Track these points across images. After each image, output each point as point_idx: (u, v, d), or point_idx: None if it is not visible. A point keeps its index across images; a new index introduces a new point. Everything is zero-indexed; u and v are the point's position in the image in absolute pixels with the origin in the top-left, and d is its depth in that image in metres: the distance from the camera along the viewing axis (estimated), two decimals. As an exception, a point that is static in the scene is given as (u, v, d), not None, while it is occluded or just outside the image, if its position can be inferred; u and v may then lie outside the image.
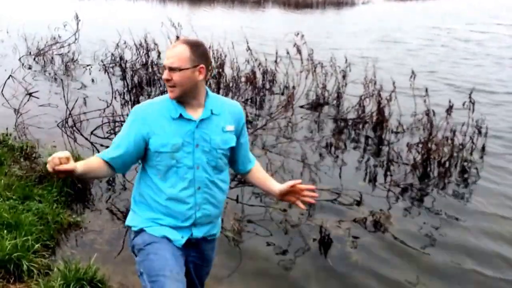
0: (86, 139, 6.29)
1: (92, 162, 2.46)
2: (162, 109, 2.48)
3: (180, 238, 2.50)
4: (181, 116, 2.46)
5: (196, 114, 2.49)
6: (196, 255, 2.62)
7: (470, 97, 6.60)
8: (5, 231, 3.78)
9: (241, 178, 5.39)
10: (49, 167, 2.23)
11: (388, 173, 6.04)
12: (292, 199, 2.61)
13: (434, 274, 4.20)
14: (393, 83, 7.22)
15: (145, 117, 2.47)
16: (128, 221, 2.63)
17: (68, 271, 3.42)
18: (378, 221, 4.91)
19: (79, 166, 2.32)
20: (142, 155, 2.51)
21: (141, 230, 2.53)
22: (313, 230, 4.70)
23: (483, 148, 6.85)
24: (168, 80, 2.43)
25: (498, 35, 17.41)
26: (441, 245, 4.63)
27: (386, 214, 5.07)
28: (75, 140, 6.17)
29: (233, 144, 2.59)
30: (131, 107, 2.64)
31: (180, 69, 2.41)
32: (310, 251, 4.42)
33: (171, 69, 2.42)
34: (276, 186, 2.65)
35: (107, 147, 6.14)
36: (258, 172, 2.76)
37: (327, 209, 5.17)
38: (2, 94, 8.32)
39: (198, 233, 2.55)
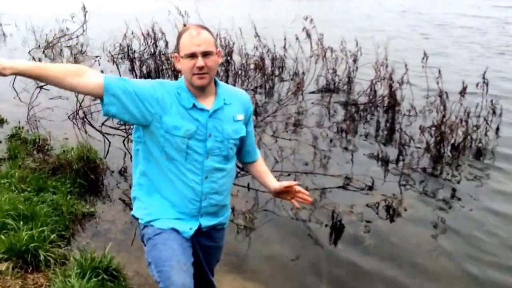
0: (98, 130, 6.32)
1: (56, 67, 2.28)
2: (177, 95, 2.45)
3: (188, 230, 2.50)
4: (194, 106, 2.44)
5: (207, 103, 2.47)
6: (205, 244, 2.62)
7: (484, 78, 6.53)
8: (21, 222, 3.83)
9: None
10: None
11: (401, 157, 6.00)
12: (287, 197, 2.68)
13: (449, 257, 4.19)
14: (405, 65, 7.15)
15: (167, 93, 2.42)
16: (136, 212, 2.61)
17: (84, 260, 3.46)
18: (390, 205, 4.90)
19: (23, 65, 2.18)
20: (139, 117, 2.38)
21: (149, 222, 2.53)
22: (325, 215, 4.70)
23: (498, 129, 6.79)
24: (202, 67, 2.37)
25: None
26: (455, 228, 4.61)
27: (399, 198, 5.05)
28: (86, 132, 6.21)
29: (243, 133, 2.58)
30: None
31: (212, 54, 2.39)
32: (321, 237, 4.43)
33: (205, 55, 2.37)
34: (273, 184, 2.70)
35: (119, 135, 6.20)
36: (260, 165, 2.79)
37: (339, 194, 5.17)
38: (13, 88, 8.37)
39: (206, 222, 2.55)
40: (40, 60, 11.05)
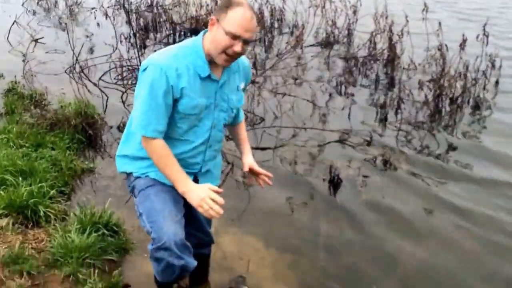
0: (95, 84, 6.28)
1: (173, 157, 2.39)
2: (189, 64, 2.35)
3: None
4: (208, 76, 2.40)
5: (217, 72, 2.44)
6: None
7: (484, 30, 6.43)
8: (20, 178, 3.84)
9: (250, 123, 5.43)
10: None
11: (399, 111, 5.98)
12: (251, 175, 2.73)
13: (445, 209, 4.24)
14: (406, 16, 7.02)
15: (174, 75, 2.30)
16: (126, 168, 2.61)
17: (84, 215, 3.49)
18: (388, 160, 4.92)
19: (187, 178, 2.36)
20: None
21: (143, 174, 2.54)
22: (323, 171, 4.73)
23: (497, 82, 6.75)
24: (238, 54, 2.31)
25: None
26: (452, 181, 4.65)
27: (396, 153, 5.08)
28: (84, 86, 6.16)
29: (243, 102, 2.61)
30: (137, 52, 2.60)
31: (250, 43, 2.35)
32: (319, 192, 4.47)
33: (246, 43, 2.31)
34: (244, 155, 2.72)
35: (117, 90, 6.15)
36: (240, 129, 2.79)
37: (337, 149, 5.19)
38: (8, 41, 8.25)
39: (201, 181, 2.56)
40: (34, 12, 10.84)
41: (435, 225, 4.07)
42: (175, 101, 2.35)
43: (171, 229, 2.36)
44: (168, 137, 2.43)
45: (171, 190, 2.47)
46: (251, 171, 2.69)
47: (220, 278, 3.23)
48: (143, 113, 2.33)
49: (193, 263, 2.47)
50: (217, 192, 2.30)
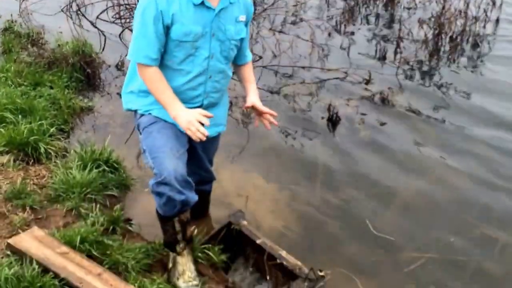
0: (92, 23, 6.18)
1: (166, 83, 2.42)
2: None
3: None
4: (202, 3, 2.38)
5: (213, 1, 2.41)
6: None
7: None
8: (19, 116, 3.85)
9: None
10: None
11: (398, 50, 5.93)
12: (255, 114, 2.71)
13: (442, 149, 4.28)
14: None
15: (163, 1, 2.32)
16: (131, 105, 2.63)
17: (84, 153, 3.53)
18: (386, 98, 4.93)
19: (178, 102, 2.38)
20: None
21: (147, 112, 2.57)
22: (322, 109, 4.74)
23: (497, 20, 6.64)
24: None
25: None
26: (449, 121, 4.68)
27: (395, 91, 5.08)
28: (80, 26, 6.07)
29: (244, 35, 2.59)
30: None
31: None
32: (318, 130, 4.50)
33: None
34: (249, 95, 2.67)
35: (114, 28, 6.04)
36: (248, 71, 2.76)
37: (336, 88, 5.19)
38: (2, -21, 8.03)
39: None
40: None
41: (431, 161, 4.13)
42: (168, 29, 2.36)
43: (172, 164, 2.41)
44: (166, 67, 2.45)
45: (173, 127, 2.51)
46: (255, 111, 2.67)
47: (220, 213, 3.30)
48: (135, 40, 2.41)
49: (194, 197, 2.53)
50: (207, 117, 2.33)
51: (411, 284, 3.00)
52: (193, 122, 2.29)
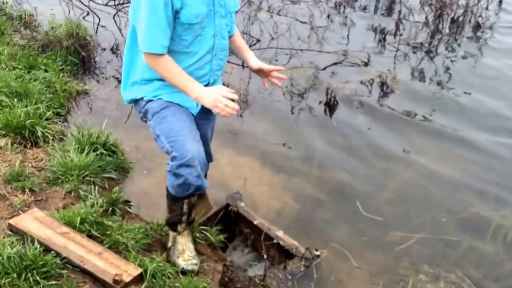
0: (85, 5, 6.10)
1: (179, 67, 2.38)
2: None
3: (195, 106, 2.52)
4: None
5: None
6: (200, 116, 2.64)
7: None
8: (15, 99, 3.81)
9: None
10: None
11: (398, 32, 5.90)
12: (262, 76, 2.69)
13: (439, 132, 4.29)
14: None
15: None
16: (135, 94, 2.56)
17: (81, 136, 3.50)
18: (385, 82, 4.91)
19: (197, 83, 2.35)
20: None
21: (155, 97, 2.51)
22: (320, 92, 4.72)
23: (500, 2, 6.61)
24: None
25: None
26: (447, 105, 4.68)
27: (394, 74, 5.05)
28: (73, 8, 5.98)
29: (238, 6, 2.57)
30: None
31: None
32: (316, 113, 4.49)
33: None
34: (252, 60, 2.65)
35: (108, 12, 5.97)
36: (239, 40, 2.74)
37: (334, 71, 5.16)
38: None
39: None
40: None
41: (427, 145, 4.12)
42: (176, 13, 2.31)
43: (195, 147, 2.38)
44: (174, 52, 2.39)
45: (186, 110, 2.49)
46: (262, 73, 2.66)
47: (217, 195, 3.29)
48: (147, 30, 2.30)
49: (207, 184, 2.52)
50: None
51: (404, 262, 3.02)
52: (220, 98, 2.27)
